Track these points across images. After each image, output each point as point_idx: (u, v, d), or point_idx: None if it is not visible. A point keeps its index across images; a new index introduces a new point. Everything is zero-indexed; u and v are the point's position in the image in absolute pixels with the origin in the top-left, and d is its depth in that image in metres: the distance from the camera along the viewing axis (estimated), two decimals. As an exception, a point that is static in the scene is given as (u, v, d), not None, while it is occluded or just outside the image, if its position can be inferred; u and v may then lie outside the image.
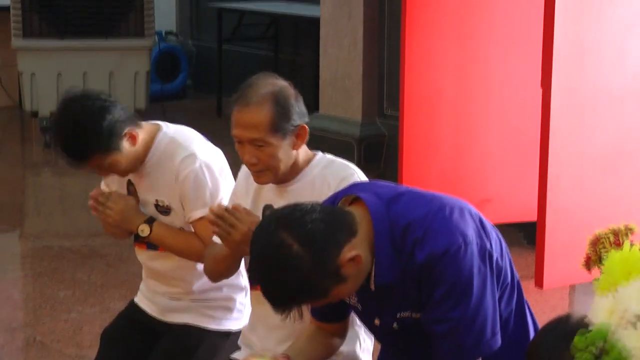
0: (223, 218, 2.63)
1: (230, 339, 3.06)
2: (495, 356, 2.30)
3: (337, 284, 2.15)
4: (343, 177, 2.65)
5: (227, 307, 3.12)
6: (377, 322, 2.33)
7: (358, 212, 2.22)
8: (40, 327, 4.43)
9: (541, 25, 4.47)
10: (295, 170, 2.69)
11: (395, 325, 2.29)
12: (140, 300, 3.22)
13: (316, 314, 2.47)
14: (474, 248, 2.21)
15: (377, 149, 6.35)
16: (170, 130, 3.05)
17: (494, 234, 2.30)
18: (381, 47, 6.29)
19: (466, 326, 2.21)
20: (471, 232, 2.22)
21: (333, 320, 2.48)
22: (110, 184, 3.13)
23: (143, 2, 7.16)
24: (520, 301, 2.42)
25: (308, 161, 2.71)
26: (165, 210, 3.04)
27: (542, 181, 4.50)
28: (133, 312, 3.22)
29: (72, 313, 4.55)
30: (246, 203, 2.75)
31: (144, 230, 3.01)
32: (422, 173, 5.16)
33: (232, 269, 2.86)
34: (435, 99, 5.09)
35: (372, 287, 2.25)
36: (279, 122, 2.61)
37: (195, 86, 9.06)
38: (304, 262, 2.09)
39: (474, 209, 2.30)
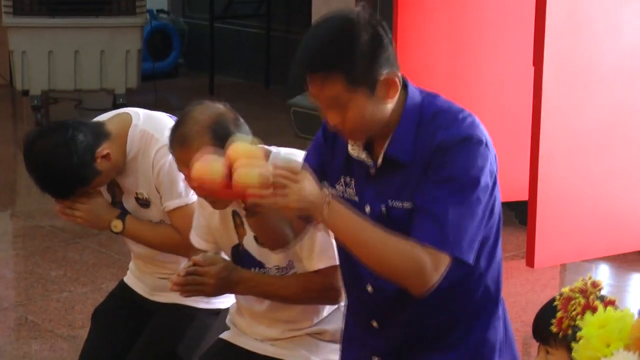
0: (187, 281, 2.59)
1: (220, 317, 3.05)
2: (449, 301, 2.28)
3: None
4: None
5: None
6: (367, 209, 2.28)
7: (398, 94, 2.23)
8: (32, 307, 4.42)
9: (533, 1, 4.45)
10: None
11: (383, 209, 2.25)
12: (130, 279, 3.23)
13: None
14: (490, 156, 2.24)
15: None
16: (140, 120, 3.00)
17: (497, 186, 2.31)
18: (373, 24, 6.27)
19: (457, 215, 2.17)
20: (491, 144, 2.25)
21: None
22: None
23: (134, -20, 7.12)
24: (497, 272, 2.39)
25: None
26: (144, 203, 3.03)
27: (533, 160, 4.49)
28: (123, 291, 3.22)
29: (63, 292, 4.55)
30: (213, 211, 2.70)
31: (117, 226, 3.01)
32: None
33: None
34: (426, 76, 5.07)
35: (379, 162, 2.24)
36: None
37: (187, 64, 9.03)
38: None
39: None
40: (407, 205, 2.23)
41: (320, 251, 2.59)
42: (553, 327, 2.01)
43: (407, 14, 5.14)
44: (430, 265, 2.15)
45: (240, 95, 8.02)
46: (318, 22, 2.25)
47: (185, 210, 2.94)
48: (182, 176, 2.88)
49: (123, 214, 3.03)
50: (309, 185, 2.11)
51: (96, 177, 2.93)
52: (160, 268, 3.11)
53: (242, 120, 2.63)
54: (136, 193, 3.02)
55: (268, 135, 2.80)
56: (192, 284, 2.59)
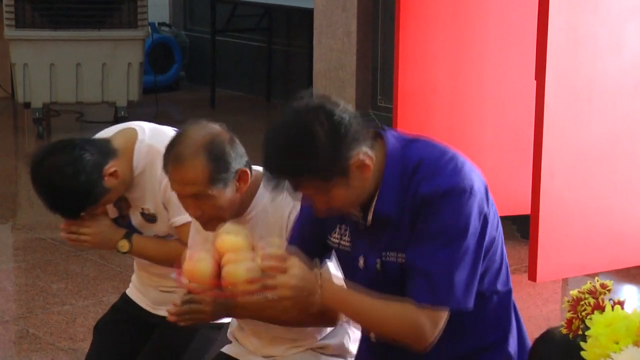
0: (184, 312, 2.56)
1: (222, 331, 3.04)
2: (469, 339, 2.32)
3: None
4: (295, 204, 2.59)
5: (219, 299, 3.11)
6: (361, 262, 2.31)
7: (376, 147, 2.26)
8: (33, 320, 4.41)
9: (536, 16, 4.46)
10: (242, 209, 2.64)
11: (378, 265, 2.28)
12: (132, 292, 3.22)
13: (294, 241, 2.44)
14: (477, 201, 2.23)
15: (371, 140, 6.34)
16: (146, 135, 3.00)
17: (494, 208, 2.31)
18: (375, 38, 6.28)
19: (447, 269, 2.19)
20: (478, 186, 2.25)
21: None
22: None
23: (136, -7, 7.14)
24: (507, 299, 2.41)
25: (252, 195, 2.65)
26: (151, 218, 3.02)
27: (535, 174, 4.49)
28: (125, 304, 3.22)
29: (65, 305, 4.54)
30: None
31: (124, 246, 2.99)
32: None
33: None
34: (429, 90, 5.08)
35: (370, 218, 2.27)
36: (217, 174, 2.55)
37: (189, 77, 9.04)
38: None
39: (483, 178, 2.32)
40: (400, 258, 2.26)
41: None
42: (563, 328, 2.02)
43: (409, 30, 5.15)
44: (429, 325, 2.20)
45: (242, 108, 8.02)
46: (273, 126, 2.25)
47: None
48: None
49: (129, 233, 3.01)
50: (298, 271, 2.14)
51: (105, 195, 2.92)
52: (163, 280, 3.10)
53: (237, 141, 2.63)
54: (142, 208, 3.02)
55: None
56: (189, 313, 2.57)
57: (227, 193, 2.57)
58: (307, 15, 7.16)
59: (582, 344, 1.95)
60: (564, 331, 2.03)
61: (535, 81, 4.48)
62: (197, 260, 2.20)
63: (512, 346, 2.40)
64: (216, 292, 2.19)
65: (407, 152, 2.27)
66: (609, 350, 1.87)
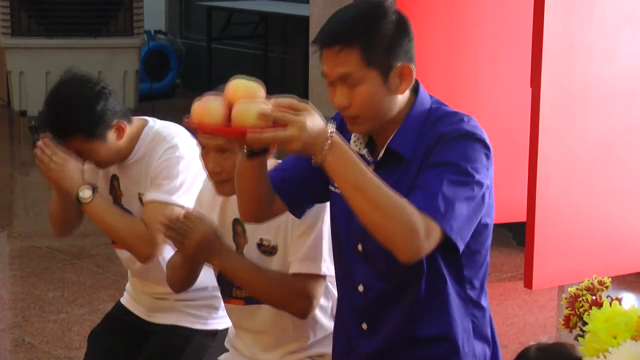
0: (175, 224, 2.55)
1: (217, 338, 3.05)
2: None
3: None
4: None
5: (213, 306, 3.10)
6: None
7: (410, 90, 2.25)
8: (29, 328, 4.41)
9: (530, 23, 4.46)
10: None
11: None
12: (126, 300, 3.22)
13: (278, 186, 2.34)
14: (491, 165, 2.21)
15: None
16: (157, 124, 3.03)
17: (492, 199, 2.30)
18: (371, 45, 6.29)
19: (451, 193, 2.11)
20: (491, 157, 2.23)
21: (291, 201, 2.36)
22: (94, 175, 3.06)
23: (132, 1, 7.14)
24: (480, 301, 2.36)
25: None
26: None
27: (531, 181, 4.49)
28: (120, 312, 3.21)
29: (61, 314, 4.53)
30: (214, 215, 2.69)
31: (85, 192, 2.89)
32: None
33: (190, 278, 2.77)
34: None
35: (381, 154, 2.22)
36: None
37: (185, 85, 9.04)
38: None
39: None
40: None
41: (305, 257, 2.57)
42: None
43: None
44: (423, 229, 2.07)
45: (238, 115, 8.02)
46: (347, 5, 2.23)
47: (163, 208, 2.84)
48: (178, 177, 2.91)
49: (95, 188, 2.93)
50: (311, 119, 1.99)
51: (99, 138, 2.89)
52: (157, 286, 3.09)
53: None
54: (139, 194, 3.01)
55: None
56: (178, 230, 2.54)
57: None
58: (303, 22, 7.16)
59: (579, 339, 1.96)
60: (562, 328, 2.04)
61: (530, 88, 4.49)
62: (208, 101, 2.06)
63: (472, 348, 2.35)
64: (225, 127, 2.03)
65: (435, 107, 2.27)
66: (607, 345, 1.87)
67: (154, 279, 3.09)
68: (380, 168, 2.22)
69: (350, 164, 2.03)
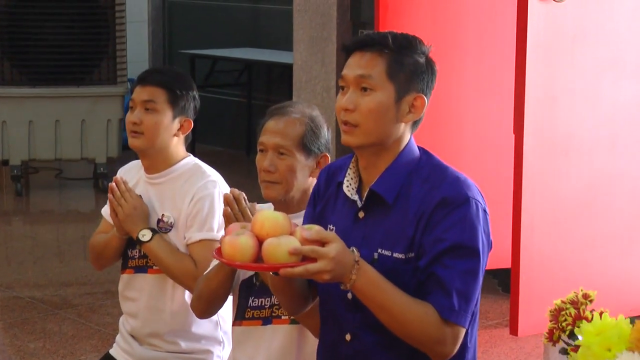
0: (238, 206, 2.63)
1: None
2: None
3: None
4: None
5: (205, 360, 3.10)
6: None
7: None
8: (10, 380, 4.35)
9: (513, 70, 4.48)
10: (302, 203, 2.65)
11: (375, 256, 2.26)
12: (116, 351, 3.20)
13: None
14: (488, 221, 2.29)
15: (351, 195, 6.34)
16: (197, 159, 3.17)
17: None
18: (354, 93, 6.31)
19: (467, 288, 2.21)
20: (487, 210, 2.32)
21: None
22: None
23: (115, 49, 7.15)
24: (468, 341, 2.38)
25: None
26: (167, 227, 3.07)
27: (515, 227, 4.49)
28: None
29: (42, 365, 4.48)
30: None
31: (145, 235, 3.04)
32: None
33: (224, 288, 2.72)
34: (408, 145, 5.09)
35: (364, 196, 2.28)
36: (308, 140, 2.65)
37: (169, 133, 9.02)
38: None
39: None
40: (398, 255, 2.24)
41: None
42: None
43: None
44: (450, 339, 2.21)
45: (222, 163, 7.99)
46: None
47: (210, 245, 2.96)
48: (220, 214, 2.99)
49: (156, 230, 3.07)
50: (338, 249, 2.11)
51: (181, 113, 3.10)
52: (148, 325, 3.09)
53: (329, 129, 2.77)
54: (162, 215, 3.08)
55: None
56: (236, 211, 2.63)
57: (305, 165, 2.65)
58: (286, 70, 7.18)
59: (572, 354, 1.96)
60: (545, 342, 2.05)
61: (513, 135, 4.50)
62: (237, 234, 2.16)
63: None
64: (258, 266, 2.16)
65: (425, 156, 2.34)
66: (602, 358, 1.88)
67: (147, 317, 3.09)
68: (368, 216, 2.29)
69: (376, 286, 2.17)
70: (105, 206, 3.19)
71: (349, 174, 2.35)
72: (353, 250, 2.15)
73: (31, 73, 7.11)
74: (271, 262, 2.10)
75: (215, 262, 2.74)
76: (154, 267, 3.08)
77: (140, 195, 3.11)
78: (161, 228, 3.07)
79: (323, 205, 2.40)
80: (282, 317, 2.67)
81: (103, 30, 7.12)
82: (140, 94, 3.09)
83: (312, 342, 2.62)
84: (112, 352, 3.21)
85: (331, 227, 2.34)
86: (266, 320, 2.70)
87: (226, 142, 8.51)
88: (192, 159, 3.15)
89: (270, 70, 8.33)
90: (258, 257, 2.13)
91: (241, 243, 2.12)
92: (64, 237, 6.64)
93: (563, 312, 2.04)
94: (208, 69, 8.47)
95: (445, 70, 5.21)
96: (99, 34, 7.12)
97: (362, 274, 2.14)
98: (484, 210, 2.27)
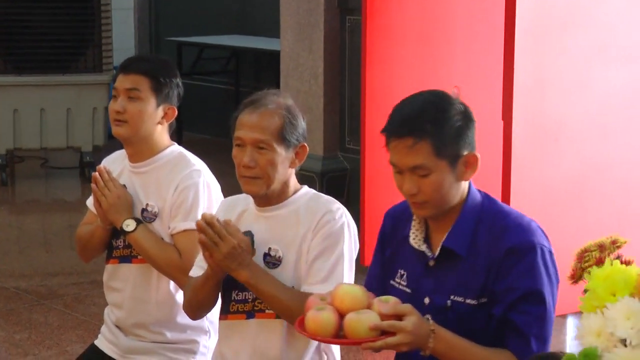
0: (213, 227, 2.57)
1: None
2: None
3: None
4: (328, 210, 2.63)
5: (191, 350, 3.08)
6: (426, 301, 2.39)
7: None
8: (-5, 371, 4.32)
9: (502, 57, 4.45)
10: (282, 195, 2.66)
11: (449, 303, 2.35)
12: (101, 342, 3.18)
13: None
14: (556, 268, 2.39)
15: (340, 183, 6.30)
16: (182, 148, 3.14)
17: None
18: (342, 80, 6.26)
19: (542, 333, 2.31)
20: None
21: None
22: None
23: (101, 37, 7.10)
24: None
25: (295, 191, 2.70)
26: (151, 217, 3.05)
27: (505, 215, 4.46)
28: (93, 354, 3.18)
29: (28, 356, 4.44)
30: None
31: (130, 224, 3.02)
32: (384, 208, 5.10)
33: (212, 297, 2.74)
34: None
35: (437, 252, 2.35)
36: (287, 132, 2.62)
37: (156, 121, 8.98)
38: None
39: None
40: (470, 301, 2.34)
41: (326, 278, 2.59)
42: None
43: (375, 71, 5.13)
44: None
45: (209, 151, 7.94)
46: (412, 95, 2.38)
47: (195, 235, 2.87)
48: (204, 204, 2.99)
49: (140, 220, 3.04)
50: (414, 322, 2.22)
51: (165, 100, 3.06)
52: (133, 316, 3.07)
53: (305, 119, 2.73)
54: (147, 204, 3.05)
55: (237, 192, 2.78)
56: (212, 235, 2.56)
57: (285, 157, 2.63)
58: (274, 57, 7.14)
59: (580, 297, 1.99)
60: (568, 279, 2.10)
61: (502, 121, 4.47)
62: (319, 309, 2.29)
63: None
64: (341, 340, 2.28)
65: (487, 201, 2.40)
66: (605, 302, 1.89)
67: (132, 308, 3.07)
68: (440, 266, 2.38)
69: (454, 348, 2.29)
70: (90, 197, 3.15)
71: (414, 225, 2.43)
72: (428, 319, 2.27)
73: (16, 61, 7.06)
74: (353, 337, 2.24)
75: (200, 255, 2.73)
76: (139, 257, 3.06)
77: (124, 185, 3.07)
78: (145, 217, 3.04)
79: (392, 251, 2.49)
80: (266, 312, 2.65)
81: (89, 18, 7.07)
82: (124, 82, 3.05)
83: (298, 337, 2.61)
84: (97, 342, 3.20)
85: (402, 272, 2.44)
86: (249, 314, 2.68)
87: (214, 130, 8.46)
88: (176, 148, 3.12)
89: (258, 58, 8.28)
90: (339, 330, 2.26)
91: (324, 319, 2.26)
92: (49, 227, 6.60)
93: (587, 254, 2.04)
94: (195, 57, 8.41)
95: (434, 56, 5.19)
96: (85, 22, 7.08)
97: (439, 340, 2.25)
98: (550, 252, 2.36)
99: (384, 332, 2.23)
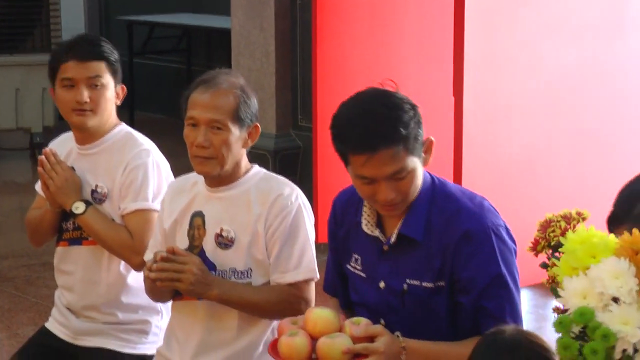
0: (167, 267, 2.54)
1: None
2: None
3: None
4: (280, 193, 2.62)
5: (143, 331, 3.07)
6: (382, 284, 2.40)
7: None
8: (-55, 355, 4.27)
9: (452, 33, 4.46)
10: (233, 175, 2.66)
11: (405, 287, 2.36)
12: (52, 325, 3.16)
13: (328, 290, 2.62)
14: (514, 242, 2.40)
15: (292, 160, 6.30)
16: (129, 127, 3.10)
17: None
18: (294, 58, 6.25)
19: (513, 313, 2.33)
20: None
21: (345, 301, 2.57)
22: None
23: (49, 17, 7.01)
24: None
25: (246, 171, 2.69)
26: (101, 198, 3.02)
27: (457, 191, 4.48)
28: (44, 337, 3.16)
29: (-22, 339, 4.41)
30: (176, 207, 2.71)
31: (79, 207, 2.99)
32: (337, 185, 5.08)
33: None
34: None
35: (393, 239, 2.35)
36: (242, 112, 2.61)
37: (107, 101, 8.91)
38: None
39: None
40: (427, 284, 2.35)
41: (298, 264, 2.60)
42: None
43: (327, 49, 5.12)
44: None
45: (161, 131, 7.88)
46: (354, 103, 2.36)
47: (145, 215, 2.95)
48: (154, 183, 2.97)
49: (89, 202, 3.01)
50: (385, 342, 2.26)
51: (115, 74, 3.02)
52: (84, 298, 3.05)
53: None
54: (96, 186, 3.02)
55: (189, 172, 2.76)
56: (169, 272, 2.54)
57: (239, 137, 2.61)
58: (225, 35, 7.10)
59: (554, 260, 1.99)
60: (529, 250, 2.10)
61: (453, 97, 4.48)
62: (292, 334, 2.33)
63: None
64: None
65: (438, 183, 2.39)
66: (586, 263, 1.87)
67: (83, 290, 3.05)
68: (395, 250, 2.38)
69: (426, 353, 2.33)
70: (39, 182, 3.11)
71: (365, 211, 2.42)
72: (398, 336, 2.30)
73: (-37, 42, 6.97)
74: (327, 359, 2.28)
75: (153, 239, 2.73)
76: (89, 239, 3.04)
77: (72, 167, 3.04)
78: (95, 199, 3.02)
79: (345, 231, 2.48)
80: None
81: (36, -3, 6.99)
82: (82, 70, 2.98)
83: (251, 317, 2.64)
84: (47, 325, 3.18)
85: (356, 256, 2.44)
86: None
87: (165, 109, 8.41)
88: (124, 127, 3.09)
89: (209, 36, 8.23)
90: (312, 354, 2.31)
91: (297, 344, 2.31)
92: (5, 211, 6.53)
93: (553, 224, 2.04)
94: (146, 36, 8.35)
95: (385, 33, 5.18)
96: (32, 1, 6.98)
97: (411, 355, 2.29)
98: (505, 228, 2.37)
99: (357, 355, 2.27)
